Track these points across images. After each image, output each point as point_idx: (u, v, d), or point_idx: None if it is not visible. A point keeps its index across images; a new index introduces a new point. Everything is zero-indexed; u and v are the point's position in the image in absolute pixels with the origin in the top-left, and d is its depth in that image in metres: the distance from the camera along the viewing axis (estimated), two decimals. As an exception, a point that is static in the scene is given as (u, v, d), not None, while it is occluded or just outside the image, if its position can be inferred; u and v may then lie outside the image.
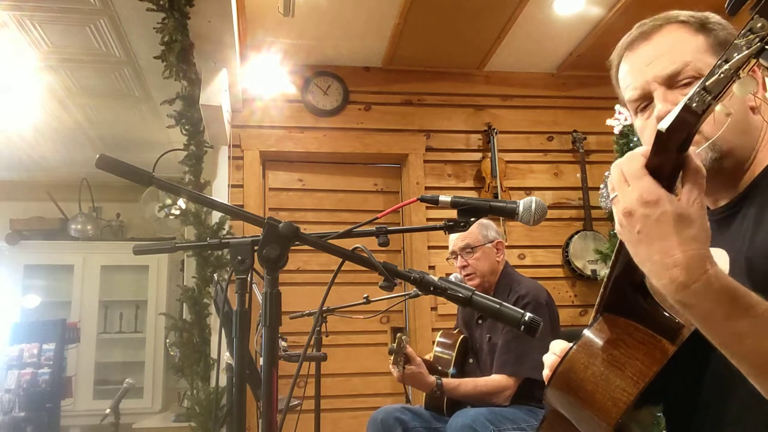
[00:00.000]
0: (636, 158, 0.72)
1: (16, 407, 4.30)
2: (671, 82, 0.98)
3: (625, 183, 0.72)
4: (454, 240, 2.66)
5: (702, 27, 1.00)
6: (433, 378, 2.42)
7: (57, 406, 4.46)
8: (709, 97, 0.62)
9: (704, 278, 0.68)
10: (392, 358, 2.38)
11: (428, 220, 4.09)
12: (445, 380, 2.43)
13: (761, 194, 0.93)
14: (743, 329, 0.69)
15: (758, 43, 0.59)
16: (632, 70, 1.03)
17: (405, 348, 2.38)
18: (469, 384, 2.45)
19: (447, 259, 2.78)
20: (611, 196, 0.76)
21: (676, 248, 0.68)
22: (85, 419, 4.67)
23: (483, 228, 2.65)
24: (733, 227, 0.96)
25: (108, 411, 3.36)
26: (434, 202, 1.17)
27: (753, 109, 0.97)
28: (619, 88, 1.09)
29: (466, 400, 2.45)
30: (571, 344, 1.10)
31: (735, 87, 0.63)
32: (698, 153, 0.92)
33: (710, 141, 0.92)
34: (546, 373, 1.09)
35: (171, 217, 3.44)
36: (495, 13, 3.60)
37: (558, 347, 1.09)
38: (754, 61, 0.60)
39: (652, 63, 0.99)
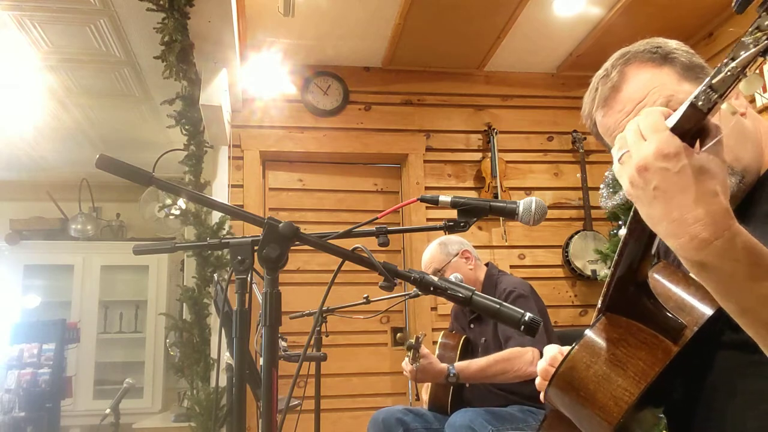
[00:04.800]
0: (654, 112, 0.69)
1: (16, 407, 4.30)
2: None
3: (641, 138, 0.68)
4: (423, 269, 2.65)
5: (664, 58, 0.98)
6: (444, 365, 2.38)
7: (57, 406, 4.46)
8: (715, 96, 0.62)
9: (728, 234, 0.65)
10: (410, 354, 2.34)
11: (428, 220, 4.09)
12: (456, 363, 2.39)
13: (767, 195, 0.94)
14: (766, 292, 0.65)
15: (765, 41, 0.59)
16: (618, 123, 1.00)
17: (421, 344, 2.36)
18: (481, 360, 2.38)
19: None
20: (620, 155, 0.71)
21: (697, 202, 0.64)
22: (85, 419, 4.67)
23: (442, 246, 2.66)
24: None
25: (108, 411, 3.36)
26: (434, 202, 1.17)
27: (743, 114, 0.97)
28: (602, 139, 1.07)
29: (483, 375, 2.36)
30: (569, 346, 1.10)
31: (741, 85, 0.62)
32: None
33: (716, 139, 0.91)
34: (538, 381, 1.09)
35: (171, 217, 3.44)
36: (495, 13, 3.60)
37: (550, 353, 1.09)
38: (761, 59, 0.60)
39: (635, 109, 0.97)
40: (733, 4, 0.62)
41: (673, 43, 1.01)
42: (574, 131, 4.32)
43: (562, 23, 3.77)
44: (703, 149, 0.67)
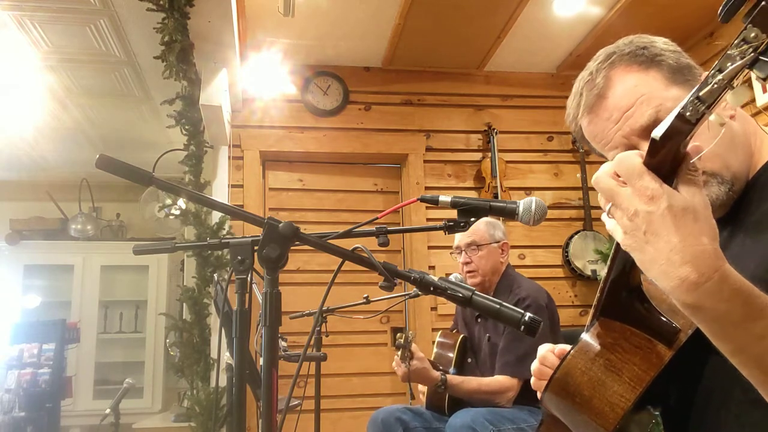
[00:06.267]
0: (630, 158, 0.68)
1: (16, 407, 4.30)
2: (650, 131, 0.96)
3: (622, 185, 0.68)
4: (461, 235, 2.65)
5: (651, 61, 0.96)
6: (437, 373, 2.42)
7: (57, 406, 4.45)
8: (703, 107, 0.62)
9: (717, 276, 0.64)
10: (399, 353, 2.37)
11: (428, 220, 4.09)
12: (449, 376, 2.44)
13: (757, 198, 0.93)
14: (760, 331, 0.65)
15: (752, 54, 0.59)
16: (605, 132, 0.98)
17: (411, 344, 2.38)
18: (472, 382, 2.45)
19: (451, 253, 2.78)
20: (606, 208, 0.71)
21: (683, 243, 0.64)
22: (85, 419, 4.67)
23: (491, 227, 2.65)
24: (725, 233, 0.96)
25: (108, 411, 3.36)
26: (434, 203, 1.17)
27: (732, 117, 0.96)
28: (587, 144, 1.05)
29: (468, 398, 2.44)
30: (555, 346, 1.10)
31: (729, 96, 0.62)
32: (712, 190, 0.91)
33: (702, 153, 0.91)
34: (533, 380, 1.09)
35: (171, 217, 3.44)
36: (495, 13, 3.60)
37: (541, 353, 1.09)
38: (748, 71, 0.60)
39: (621, 119, 0.95)
40: (718, 13, 0.62)
41: (659, 43, 0.99)
42: (574, 131, 4.31)
43: (562, 23, 3.77)
44: (682, 188, 0.67)
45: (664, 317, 0.87)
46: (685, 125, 0.63)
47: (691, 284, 0.64)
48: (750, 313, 0.65)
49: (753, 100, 3.35)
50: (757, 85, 3.35)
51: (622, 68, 0.97)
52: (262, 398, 0.92)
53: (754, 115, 3.34)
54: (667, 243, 0.65)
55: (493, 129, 4.25)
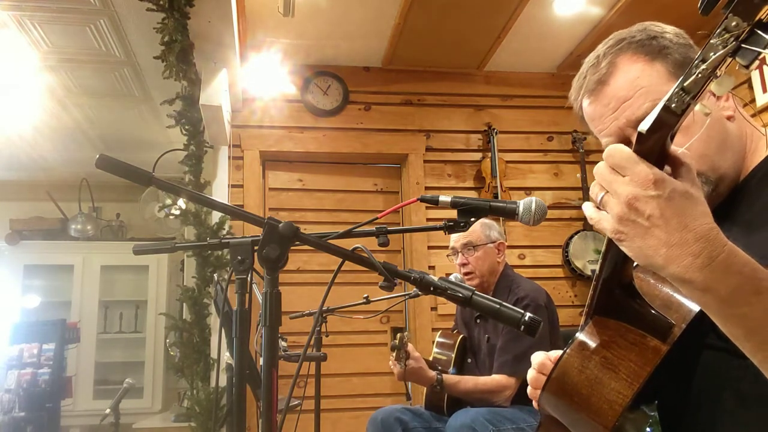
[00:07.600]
0: (621, 149, 0.69)
1: (16, 407, 4.30)
2: None
3: (618, 174, 0.68)
4: (456, 236, 2.66)
5: (658, 52, 0.96)
6: (433, 373, 2.43)
7: (57, 406, 4.46)
8: (688, 97, 0.62)
9: (727, 249, 0.65)
10: (394, 354, 2.39)
11: (428, 220, 4.09)
12: (445, 376, 2.45)
13: (747, 198, 0.93)
14: None
15: (733, 42, 0.59)
16: (602, 118, 0.99)
17: (406, 344, 2.39)
18: (469, 382, 2.45)
19: (447, 255, 2.78)
20: (599, 197, 0.71)
21: (693, 222, 0.65)
22: (85, 419, 4.67)
23: (486, 228, 2.65)
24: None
25: (108, 411, 3.37)
26: (434, 203, 1.17)
27: (730, 118, 0.96)
28: (585, 124, 1.06)
29: (466, 397, 2.45)
30: (551, 354, 1.10)
31: (713, 86, 0.63)
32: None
33: (690, 143, 0.91)
34: (529, 389, 1.08)
35: (171, 217, 3.44)
36: (495, 13, 3.60)
37: (537, 360, 1.08)
38: (730, 59, 0.60)
39: (619, 109, 0.96)
40: (698, 5, 0.63)
41: (669, 35, 0.99)
42: (574, 131, 4.32)
43: (562, 23, 3.77)
44: (680, 174, 0.68)
45: (658, 312, 0.87)
46: (671, 117, 0.64)
47: (705, 258, 0.65)
48: (758, 286, 0.66)
49: (753, 101, 3.35)
50: (757, 85, 3.35)
51: (629, 56, 0.97)
52: (262, 398, 0.92)
53: (753, 116, 3.34)
54: (677, 223, 0.65)
55: (493, 129, 4.25)
